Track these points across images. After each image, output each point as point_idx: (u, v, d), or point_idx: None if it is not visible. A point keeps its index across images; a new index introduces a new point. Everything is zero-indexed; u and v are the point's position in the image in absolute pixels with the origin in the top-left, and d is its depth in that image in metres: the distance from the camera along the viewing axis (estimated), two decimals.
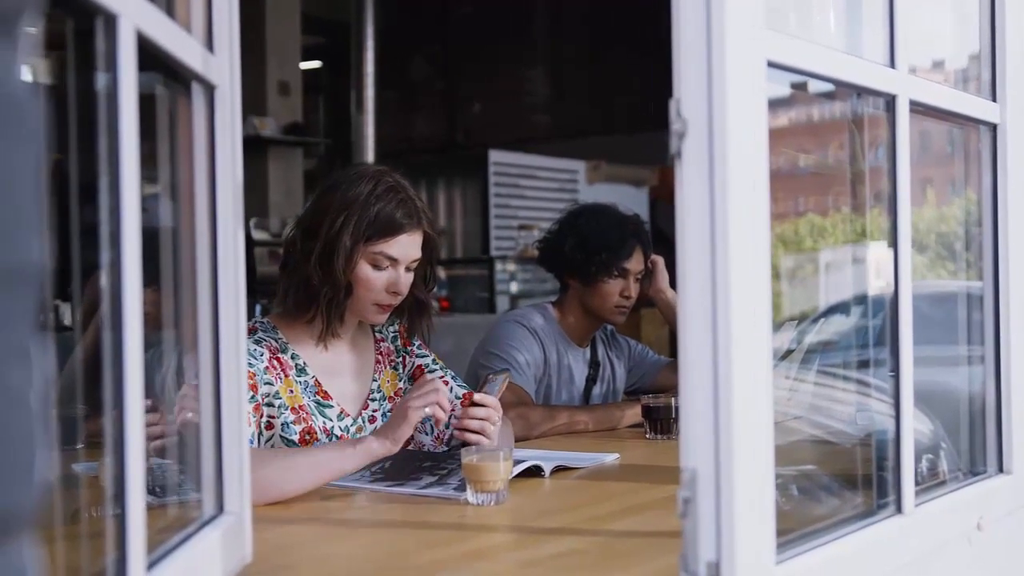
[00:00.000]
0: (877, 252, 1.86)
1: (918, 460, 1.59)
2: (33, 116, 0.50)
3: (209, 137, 1.34)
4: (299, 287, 2.17)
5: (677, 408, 2.59)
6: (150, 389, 1.05)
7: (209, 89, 1.33)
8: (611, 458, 2.31)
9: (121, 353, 0.99)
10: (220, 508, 1.35)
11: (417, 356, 2.40)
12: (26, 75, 0.51)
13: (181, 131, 1.33)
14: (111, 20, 0.98)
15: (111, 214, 0.99)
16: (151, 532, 1.05)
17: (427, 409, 1.95)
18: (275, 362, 2.15)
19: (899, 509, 1.49)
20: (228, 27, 1.36)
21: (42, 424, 0.51)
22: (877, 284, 1.91)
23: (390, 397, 2.33)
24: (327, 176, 2.29)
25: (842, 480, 1.68)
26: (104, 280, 1.00)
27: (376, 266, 2.16)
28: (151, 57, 1.10)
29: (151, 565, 1.08)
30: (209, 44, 1.33)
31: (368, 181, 2.18)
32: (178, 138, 1.33)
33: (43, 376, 0.51)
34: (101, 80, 1.00)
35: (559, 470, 2.13)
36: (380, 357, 2.35)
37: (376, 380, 2.32)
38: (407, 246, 2.18)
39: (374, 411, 2.29)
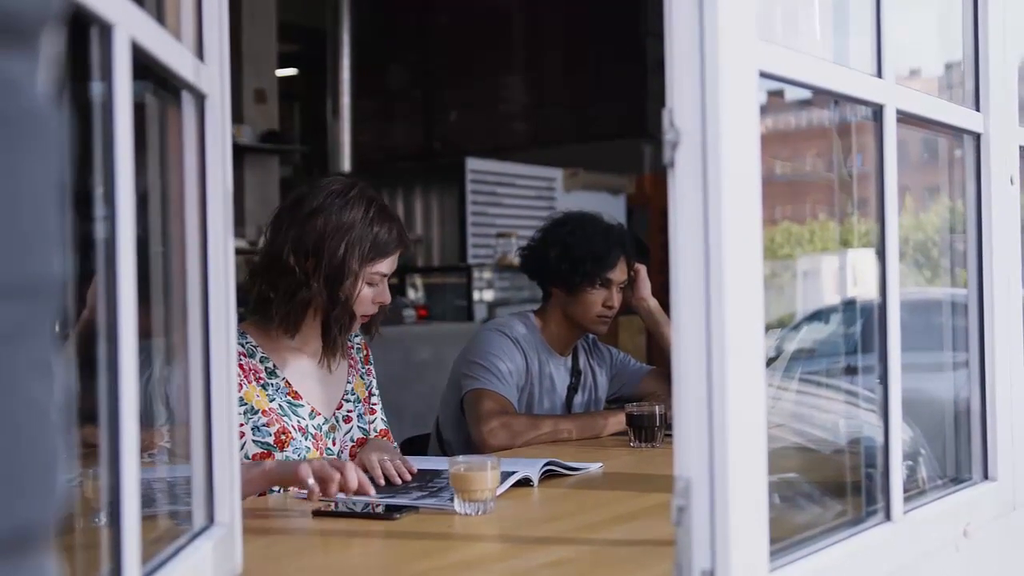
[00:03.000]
0: (855, 260, 1.87)
1: None
2: (55, 128, 0.50)
3: (199, 146, 1.33)
4: (299, 307, 2.23)
5: (661, 416, 2.61)
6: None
7: (200, 98, 1.32)
8: (595, 467, 2.31)
9: (116, 364, 0.98)
10: (211, 519, 1.34)
11: (373, 377, 2.50)
12: (47, 88, 0.50)
13: (170, 140, 1.32)
14: (106, 29, 0.97)
15: (106, 223, 0.98)
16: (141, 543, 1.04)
17: (311, 481, 1.85)
18: (238, 368, 2.18)
19: (888, 516, 1.49)
20: (218, 36, 1.35)
21: (62, 438, 0.51)
22: (856, 291, 1.92)
23: (363, 400, 2.43)
24: (298, 193, 2.31)
25: (830, 488, 1.69)
26: (99, 289, 0.99)
27: (371, 284, 2.27)
28: (141, 66, 1.09)
29: None
30: (200, 53, 1.32)
31: (358, 204, 2.25)
32: (167, 147, 1.32)
33: (63, 388, 0.51)
34: (95, 89, 1.00)
35: (548, 476, 2.14)
36: (352, 362, 2.44)
37: (350, 382, 2.40)
38: (395, 261, 2.31)
39: (348, 411, 2.38)
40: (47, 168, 0.49)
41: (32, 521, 0.49)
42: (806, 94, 1.56)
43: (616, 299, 2.97)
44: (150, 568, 1.12)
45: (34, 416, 0.49)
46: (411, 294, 7.23)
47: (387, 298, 2.31)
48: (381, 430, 2.45)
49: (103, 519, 1.11)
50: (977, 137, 1.79)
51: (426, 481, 2.10)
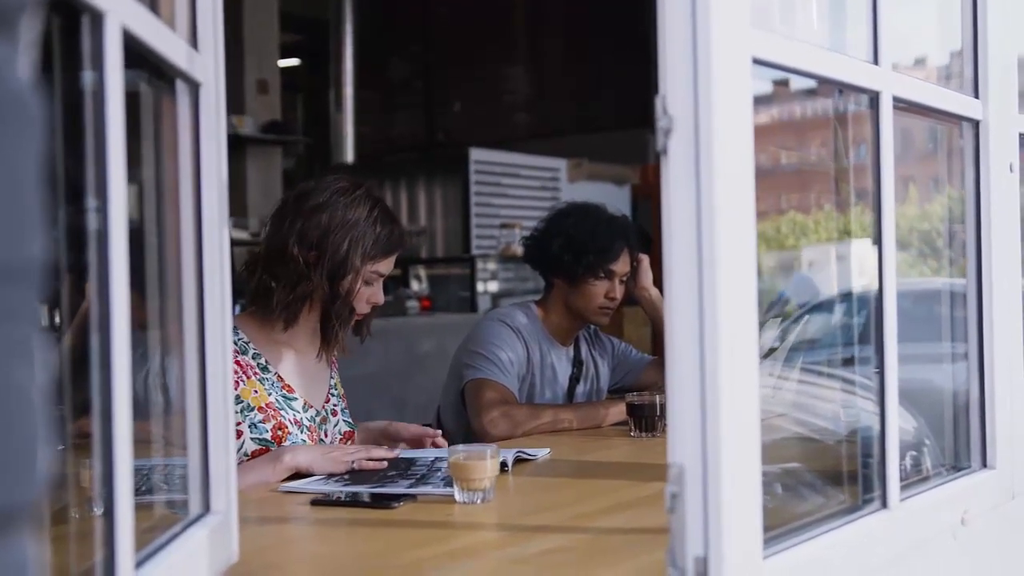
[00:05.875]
0: (859, 250, 1.87)
1: (901, 457, 1.59)
2: (35, 113, 0.50)
3: (194, 135, 1.33)
4: (300, 301, 2.26)
5: (661, 406, 2.61)
6: (132, 390, 1.04)
7: (194, 87, 1.32)
8: (543, 452, 2.34)
9: (109, 354, 0.98)
10: (207, 507, 1.34)
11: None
12: (26, 72, 0.50)
13: (165, 129, 1.32)
14: (98, 17, 0.97)
15: (98, 214, 0.98)
16: (136, 531, 1.04)
17: (355, 464, 2.12)
18: (235, 365, 2.19)
19: (884, 504, 1.49)
20: (212, 24, 1.35)
21: (44, 420, 0.51)
22: (860, 282, 1.92)
23: (343, 395, 2.47)
24: (303, 188, 2.32)
25: (827, 476, 1.68)
26: (91, 281, 0.99)
27: (368, 282, 2.30)
28: (135, 55, 1.09)
29: (138, 564, 1.07)
30: (193, 41, 1.32)
31: (363, 203, 2.28)
32: (162, 136, 1.32)
33: (45, 372, 0.51)
34: (87, 78, 0.99)
35: (518, 462, 2.18)
36: (333, 358, 2.47)
37: (333, 378, 2.45)
38: (392, 263, 2.35)
39: (334, 405, 2.43)
40: (27, 152, 0.49)
41: (12, 502, 0.49)
42: (811, 84, 1.55)
43: (618, 291, 2.96)
44: (145, 555, 1.12)
45: (15, 398, 0.49)
46: (414, 285, 7.24)
47: (380, 299, 2.36)
48: (345, 431, 2.44)
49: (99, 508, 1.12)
50: (976, 124, 1.79)
51: (404, 470, 2.10)
